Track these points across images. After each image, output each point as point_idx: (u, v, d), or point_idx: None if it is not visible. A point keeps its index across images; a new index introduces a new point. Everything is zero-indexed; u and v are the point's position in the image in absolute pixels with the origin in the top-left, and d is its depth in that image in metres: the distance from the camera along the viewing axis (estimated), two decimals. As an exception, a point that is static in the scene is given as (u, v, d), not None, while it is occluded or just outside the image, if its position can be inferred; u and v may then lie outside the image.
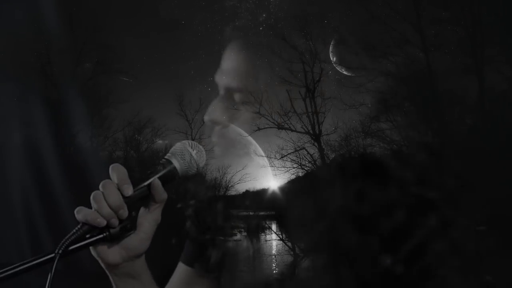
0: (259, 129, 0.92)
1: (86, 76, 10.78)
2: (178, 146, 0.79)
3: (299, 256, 0.84)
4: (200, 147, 0.81)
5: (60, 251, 0.65)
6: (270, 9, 0.98)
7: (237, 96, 0.94)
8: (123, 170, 0.72)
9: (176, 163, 0.77)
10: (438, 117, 8.62)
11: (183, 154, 0.78)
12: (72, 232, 0.68)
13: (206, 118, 0.95)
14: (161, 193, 0.75)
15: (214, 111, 0.94)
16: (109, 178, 0.72)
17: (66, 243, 0.66)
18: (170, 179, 0.77)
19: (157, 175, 0.75)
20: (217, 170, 0.95)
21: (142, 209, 0.77)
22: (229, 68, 0.94)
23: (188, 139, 0.82)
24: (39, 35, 9.93)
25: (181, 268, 1.01)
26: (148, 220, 0.77)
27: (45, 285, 0.62)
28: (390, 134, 8.82)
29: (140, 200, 0.75)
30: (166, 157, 0.78)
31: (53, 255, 0.64)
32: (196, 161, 0.79)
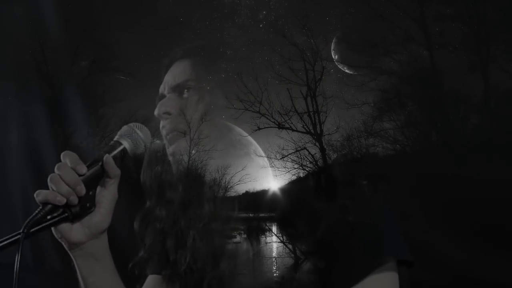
0: (259, 128, 0.92)
1: (82, 75, 10.77)
2: (125, 128, 0.87)
3: (300, 259, 0.84)
4: (145, 128, 0.89)
5: (25, 230, 0.68)
6: (271, 6, 0.98)
7: (183, 87, 0.98)
8: (74, 154, 0.78)
9: (125, 143, 0.85)
10: (442, 116, 8.62)
11: (131, 135, 0.86)
12: (34, 213, 0.71)
13: (156, 112, 0.98)
14: (114, 169, 0.82)
15: (165, 103, 0.97)
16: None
17: (30, 223, 0.69)
18: (121, 158, 0.85)
19: (109, 155, 0.82)
20: (216, 170, 0.96)
21: (99, 188, 0.83)
22: (175, 74, 0.99)
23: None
24: (34, 33, 9.92)
25: (149, 280, 1.03)
26: (106, 196, 0.83)
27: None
28: (394, 134, 8.83)
29: (95, 178, 0.81)
30: (115, 139, 0.86)
31: (18, 236, 0.67)
32: (143, 140, 0.87)
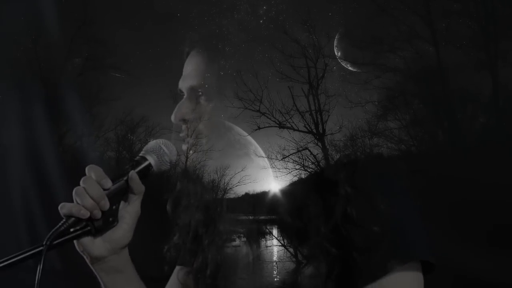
0: (259, 128, 0.92)
1: (76, 72, 10.77)
2: (151, 144, 0.90)
3: (302, 263, 0.84)
4: (171, 144, 0.91)
5: (48, 242, 0.71)
6: (271, 1, 0.98)
7: (198, 91, 0.96)
8: (99, 168, 0.81)
9: (151, 159, 0.87)
10: (449, 115, 8.63)
11: (157, 151, 0.88)
12: (58, 225, 0.74)
13: (172, 117, 0.98)
14: (139, 185, 0.84)
15: (180, 109, 0.97)
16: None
17: (53, 236, 0.72)
18: (146, 174, 0.86)
19: (134, 170, 0.84)
20: (214, 171, 0.96)
21: (122, 203, 0.85)
22: (190, 71, 0.99)
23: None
24: (27, 29, 9.92)
25: (176, 270, 1.07)
26: (129, 212, 0.86)
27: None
28: (399, 133, 8.84)
29: (119, 193, 0.83)
30: (140, 154, 0.88)
31: (41, 248, 0.70)
32: (169, 156, 0.89)
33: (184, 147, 0.97)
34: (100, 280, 0.89)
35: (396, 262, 0.72)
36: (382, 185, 0.79)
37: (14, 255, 0.69)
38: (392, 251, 0.73)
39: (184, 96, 0.99)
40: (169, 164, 0.90)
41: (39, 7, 9.27)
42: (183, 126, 0.98)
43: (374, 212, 0.75)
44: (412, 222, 0.77)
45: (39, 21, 9.47)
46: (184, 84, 0.99)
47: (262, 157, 0.97)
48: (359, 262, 0.74)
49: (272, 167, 0.96)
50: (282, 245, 0.94)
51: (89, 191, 0.77)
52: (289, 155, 0.97)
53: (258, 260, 0.99)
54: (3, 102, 9.44)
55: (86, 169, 0.81)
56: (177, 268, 1.08)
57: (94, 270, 0.88)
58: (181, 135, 0.99)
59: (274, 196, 0.95)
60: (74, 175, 0.84)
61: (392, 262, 0.72)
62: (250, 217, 1.00)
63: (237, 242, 1.00)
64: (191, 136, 0.96)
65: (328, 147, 0.97)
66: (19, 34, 9.97)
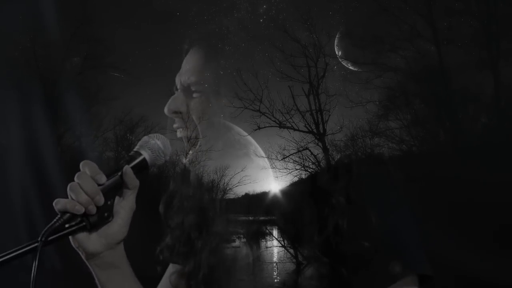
0: (259, 128, 0.91)
1: (75, 71, 10.77)
2: (145, 139, 0.90)
3: (302, 264, 0.84)
4: (165, 139, 0.92)
5: (43, 238, 0.71)
6: (271, 0, 0.98)
7: (193, 88, 0.97)
8: (93, 164, 0.82)
9: (145, 154, 0.88)
10: (450, 115, 8.63)
11: (151, 145, 0.88)
12: (52, 221, 0.74)
13: (166, 110, 0.98)
14: (133, 179, 0.85)
15: (174, 102, 0.98)
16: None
17: (48, 231, 0.72)
18: (141, 169, 0.87)
19: (129, 165, 0.85)
20: (214, 172, 0.96)
21: (117, 198, 0.86)
22: (188, 68, 0.99)
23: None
24: (25, 29, 9.92)
25: (170, 268, 1.07)
26: (124, 207, 0.86)
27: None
28: (400, 133, 8.84)
29: (114, 188, 0.84)
30: (135, 149, 0.89)
31: (36, 244, 0.70)
32: (163, 151, 0.90)
33: (185, 142, 0.97)
34: (95, 276, 0.89)
35: (394, 277, 0.71)
36: (376, 198, 0.78)
37: (9, 251, 0.70)
38: (389, 266, 0.72)
39: (178, 91, 0.99)
40: (163, 159, 0.90)
41: (37, 6, 9.26)
42: (176, 119, 0.98)
43: (365, 226, 0.74)
44: (407, 235, 0.76)
45: (38, 20, 9.46)
46: (180, 80, 0.99)
47: (262, 157, 0.97)
48: (351, 278, 0.74)
49: (272, 167, 0.96)
50: (283, 246, 0.94)
51: (84, 187, 0.77)
52: (289, 155, 0.97)
53: (258, 261, 0.99)
54: (1, 102, 9.43)
55: (81, 164, 0.81)
56: (170, 268, 1.08)
57: (89, 266, 0.88)
58: (174, 126, 0.99)
59: (274, 196, 0.95)
60: (73, 175, 0.84)
61: (389, 277, 0.71)
62: (250, 218, 1.00)
63: (237, 243, 0.99)
64: (186, 127, 0.96)
65: (328, 147, 0.97)
66: (17, 33, 9.97)
